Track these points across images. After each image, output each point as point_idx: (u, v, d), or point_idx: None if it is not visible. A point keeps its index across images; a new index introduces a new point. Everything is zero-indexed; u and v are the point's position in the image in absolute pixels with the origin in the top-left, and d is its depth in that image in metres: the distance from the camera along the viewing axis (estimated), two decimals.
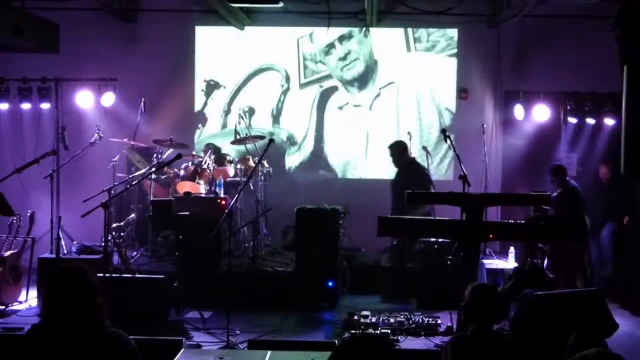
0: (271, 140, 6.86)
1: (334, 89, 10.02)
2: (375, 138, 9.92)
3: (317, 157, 10.03)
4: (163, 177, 8.85)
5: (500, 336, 3.87)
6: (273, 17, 9.74)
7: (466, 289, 3.92)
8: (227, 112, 10.07)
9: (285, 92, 10.05)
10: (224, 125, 10.05)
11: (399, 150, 8.13)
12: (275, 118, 10.05)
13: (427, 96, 9.91)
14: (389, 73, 9.94)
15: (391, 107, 9.94)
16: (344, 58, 10.02)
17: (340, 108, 10.02)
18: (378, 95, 9.96)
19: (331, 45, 10.01)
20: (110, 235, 7.28)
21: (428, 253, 7.68)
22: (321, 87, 10.01)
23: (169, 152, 8.54)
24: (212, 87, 10.11)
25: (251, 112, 9.98)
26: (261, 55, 10.02)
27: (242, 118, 9.17)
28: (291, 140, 10.06)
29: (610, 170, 8.29)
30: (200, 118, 10.14)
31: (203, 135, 10.04)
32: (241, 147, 9.33)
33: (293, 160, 10.06)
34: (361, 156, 10.01)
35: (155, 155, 8.64)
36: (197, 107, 10.12)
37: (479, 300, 3.79)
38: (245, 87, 10.06)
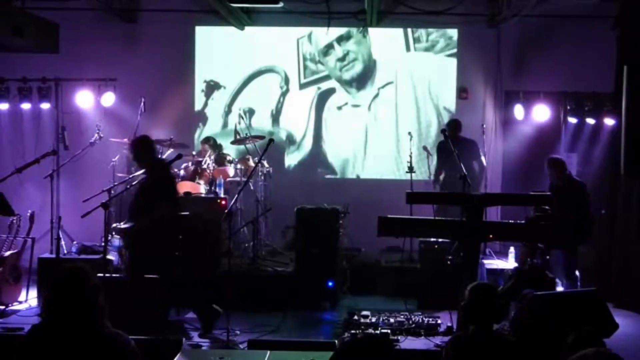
0: (271, 140, 6.86)
1: (332, 90, 10.04)
2: (374, 138, 9.94)
3: (316, 156, 10.05)
4: None
5: (501, 336, 3.87)
6: (273, 17, 9.75)
7: (466, 289, 3.92)
8: (228, 112, 10.08)
9: (284, 94, 10.07)
10: (225, 125, 10.06)
11: (139, 147, 6.52)
12: (275, 118, 10.07)
13: (426, 96, 9.92)
14: (388, 73, 9.94)
15: (390, 107, 9.95)
16: (342, 59, 10.03)
17: (339, 108, 10.02)
18: (377, 95, 9.97)
19: (330, 46, 10.02)
20: (110, 235, 7.28)
21: (428, 253, 7.68)
22: (319, 88, 10.03)
23: (169, 152, 8.54)
24: (212, 87, 10.12)
25: (251, 112, 10.00)
26: (261, 56, 10.03)
27: (242, 118, 9.18)
28: (290, 140, 10.08)
29: (559, 169, 7.44)
30: (201, 118, 10.15)
31: (203, 135, 10.03)
32: (241, 147, 9.36)
33: (292, 158, 10.08)
34: (360, 156, 10.03)
35: None
36: (198, 107, 10.14)
37: (479, 300, 3.79)
38: (246, 88, 10.08)
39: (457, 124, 8.63)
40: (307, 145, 10.07)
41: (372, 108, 9.97)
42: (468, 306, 3.81)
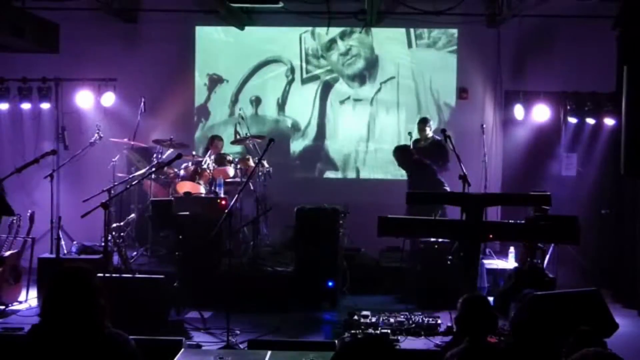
0: (271, 140, 6.85)
1: (335, 80, 10.09)
2: (376, 134, 9.99)
3: (319, 150, 10.11)
4: (163, 177, 8.85)
5: (494, 347, 3.84)
6: (273, 17, 9.75)
7: (458, 301, 3.88)
8: (235, 101, 10.10)
9: (290, 83, 10.11)
10: (232, 114, 10.07)
11: None
12: (281, 107, 10.13)
13: (427, 91, 9.94)
14: (389, 68, 9.98)
15: (392, 101, 9.98)
16: (345, 54, 10.07)
17: (342, 102, 10.07)
18: (379, 90, 10.00)
19: (333, 41, 10.06)
20: (110, 235, 7.27)
21: (428, 253, 7.67)
22: (324, 79, 10.07)
23: (169, 152, 8.55)
24: (215, 80, 10.13)
25: (258, 101, 10.07)
26: (263, 52, 10.06)
27: (242, 118, 9.18)
28: (295, 127, 10.12)
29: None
30: (203, 113, 10.16)
31: (206, 130, 10.05)
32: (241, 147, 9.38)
33: (297, 145, 10.14)
34: (362, 153, 10.04)
35: (155, 155, 8.64)
36: (199, 102, 10.14)
37: (472, 312, 3.75)
38: (252, 78, 10.11)
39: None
40: (311, 135, 10.14)
41: (374, 103, 10.00)
42: (461, 318, 3.79)
